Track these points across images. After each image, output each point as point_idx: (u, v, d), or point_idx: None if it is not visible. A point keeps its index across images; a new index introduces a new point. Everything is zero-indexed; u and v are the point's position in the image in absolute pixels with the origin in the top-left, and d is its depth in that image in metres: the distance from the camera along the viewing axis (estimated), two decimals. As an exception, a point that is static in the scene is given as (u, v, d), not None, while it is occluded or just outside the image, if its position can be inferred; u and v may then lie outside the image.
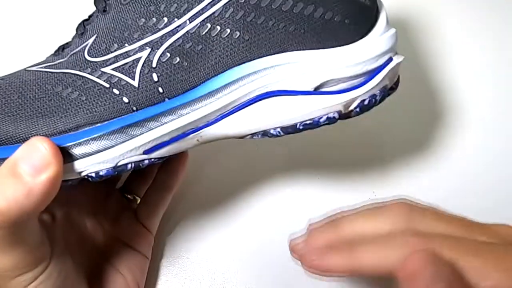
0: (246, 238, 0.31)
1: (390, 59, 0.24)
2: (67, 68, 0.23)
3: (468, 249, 0.19)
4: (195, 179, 0.33)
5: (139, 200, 0.31)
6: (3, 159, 0.21)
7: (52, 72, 0.23)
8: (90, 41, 0.23)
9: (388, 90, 0.24)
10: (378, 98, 0.24)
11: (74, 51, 0.23)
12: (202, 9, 0.22)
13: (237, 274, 0.30)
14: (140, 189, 0.31)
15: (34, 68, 0.23)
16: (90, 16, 0.25)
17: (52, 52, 0.25)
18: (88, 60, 0.22)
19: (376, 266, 0.19)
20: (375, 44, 0.23)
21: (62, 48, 0.24)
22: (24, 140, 0.21)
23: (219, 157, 0.33)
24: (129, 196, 0.31)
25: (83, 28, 0.24)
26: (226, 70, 0.22)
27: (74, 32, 0.24)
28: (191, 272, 0.30)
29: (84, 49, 0.23)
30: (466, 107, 0.36)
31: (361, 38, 0.23)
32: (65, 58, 0.23)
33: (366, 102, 0.23)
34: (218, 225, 0.31)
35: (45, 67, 0.23)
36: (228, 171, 0.33)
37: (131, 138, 0.22)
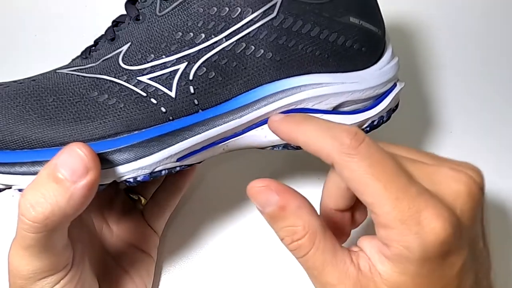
0: (247, 239, 0.32)
1: (395, 85, 0.27)
2: (100, 74, 0.23)
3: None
4: (196, 180, 0.34)
5: (143, 201, 0.31)
6: (41, 162, 0.21)
7: (84, 76, 0.23)
8: (124, 48, 0.24)
9: (391, 112, 0.28)
10: (384, 119, 0.27)
11: (107, 56, 0.24)
12: (238, 29, 0.23)
13: (237, 275, 0.31)
14: (145, 190, 0.32)
15: (64, 71, 0.24)
16: (117, 21, 0.25)
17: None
18: (123, 68, 0.23)
19: (307, 145, 0.21)
20: (384, 71, 0.26)
21: (89, 51, 0.25)
22: (62, 144, 0.21)
23: (221, 158, 0.34)
24: (134, 196, 0.31)
25: (112, 33, 0.24)
26: (257, 87, 0.24)
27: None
28: (191, 272, 0.31)
29: (118, 56, 0.24)
30: (457, 113, 0.38)
31: (373, 64, 0.26)
32: (97, 63, 0.24)
33: (375, 123, 0.26)
34: (218, 226, 0.33)
35: (75, 71, 0.24)
36: (230, 173, 0.34)
37: (167, 147, 0.23)
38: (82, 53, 0.25)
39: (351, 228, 0.25)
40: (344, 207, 0.24)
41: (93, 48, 0.25)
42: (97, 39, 0.26)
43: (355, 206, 0.24)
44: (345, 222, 0.24)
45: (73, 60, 0.25)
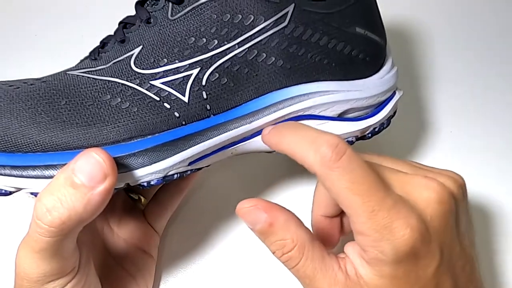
0: (247, 240, 0.32)
1: (394, 93, 0.28)
2: (112, 76, 0.23)
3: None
4: (197, 180, 0.34)
5: (143, 200, 0.31)
6: (55, 166, 0.21)
7: (95, 79, 0.23)
8: (136, 51, 0.24)
9: (391, 118, 0.29)
10: (384, 125, 0.28)
11: (118, 59, 0.24)
12: (251, 36, 0.24)
13: (237, 275, 0.31)
14: (146, 190, 0.32)
15: (75, 72, 0.23)
16: (125, 23, 0.25)
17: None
18: (135, 71, 0.23)
19: (289, 153, 0.22)
20: (385, 79, 0.27)
21: (98, 52, 0.25)
22: (76, 147, 0.21)
23: (223, 161, 0.34)
24: (134, 196, 0.31)
25: (122, 34, 0.24)
26: (267, 93, 0.25)
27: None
28: (192, 273, 0.31)
29: (130, 59, 0.23)
30: (457, 114, 0.39)
31: (375, 73, 0.27)
32: (108, 65, 0.24)
33: (376, 129, 0.27)
34: (219, 226, 0.33)
35: (86, 72, 0.23)
36: (231, 173, 0.34)
37: (180, 151, 0.23)
38: (90, 53, 0.25)
39: (341, 235, 0.26)
40: (333, 213, 0.25)
41: (102, 49, 0.25)
42: (104, 40, 0.25)
43: (344, 213, 0.25)
44: (334, 228, 0.26)
45: (81, 61, 0.25)
